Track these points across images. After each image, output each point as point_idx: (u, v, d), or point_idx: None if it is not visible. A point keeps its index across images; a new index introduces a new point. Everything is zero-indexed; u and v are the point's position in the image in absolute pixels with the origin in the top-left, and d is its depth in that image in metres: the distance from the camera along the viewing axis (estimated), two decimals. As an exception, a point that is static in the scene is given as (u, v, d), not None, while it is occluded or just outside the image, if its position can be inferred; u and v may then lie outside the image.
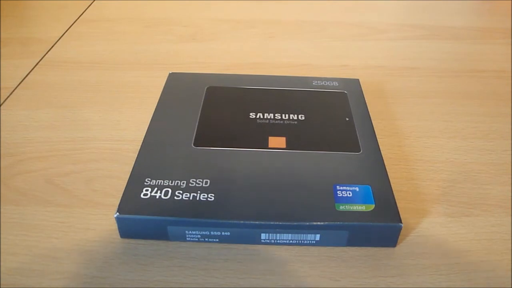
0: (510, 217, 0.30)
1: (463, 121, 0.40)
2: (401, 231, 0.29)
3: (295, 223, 0.27)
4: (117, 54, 0.49)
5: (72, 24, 0.56)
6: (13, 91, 0.43)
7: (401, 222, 0.27)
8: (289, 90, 0.38)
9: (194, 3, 0.63)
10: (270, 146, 0.32)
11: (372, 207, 0.28)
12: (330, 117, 0.35)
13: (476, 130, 0.39)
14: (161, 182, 0.29)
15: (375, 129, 0.38)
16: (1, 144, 0.36)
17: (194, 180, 0.29)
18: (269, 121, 0.34)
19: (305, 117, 0.35)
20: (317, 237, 0.27)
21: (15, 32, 0.54)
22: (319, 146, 0.32)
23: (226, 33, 0.54)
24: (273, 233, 0.27)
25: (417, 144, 0.37)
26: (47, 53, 0.50)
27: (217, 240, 0.28)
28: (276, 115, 0.35)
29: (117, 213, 0.27)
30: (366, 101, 0.41)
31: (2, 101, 0.41)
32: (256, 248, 0.28)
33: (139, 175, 0.29)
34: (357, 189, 0.29)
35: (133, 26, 0.56)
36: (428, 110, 0.41)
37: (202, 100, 0.37)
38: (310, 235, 0.27)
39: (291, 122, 0.34)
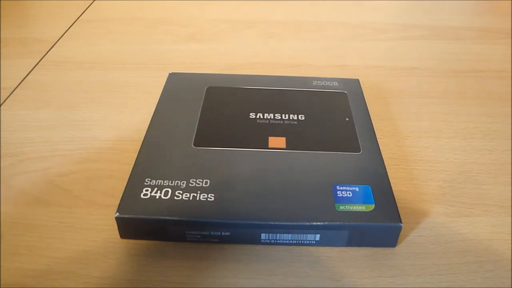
0: (510, 217, 0.30)
1: (463, 121, 0.40)
2: (401, 231, 0.29)
3: (295, 223, 0.27)
4: (117, 54, 0.49)
5: (72, 24, 0.56)
6: (13, 91, 0.43)
7: (401, 222, 0.27)
8: (289, 90, 0.38)
9: (194, 3, 0.63)
10: (270, 146, 0.32)
11: (372, 207, 0.28)
12: (330, 117, 0.35)
13: (476, 130, 0.39)
14: (161, 182, 0.29)
15: (375, 129, 0.38)
16: (1, 144, 0.36)
17: (194, 180, 0.29)
18: (269, 121, 0.34)
19: (305, 117, 0.35)
20: (317, 237, 0.27)
21: (15, 32, 0.54)
22: (319, 146, 0.32)
23: (226, 33, 0.54)
24: (273, 233, 0.27)
25: (417, 144, 0.37)
26: (47, 53, 0.50)
27: (217, 240, 0.28)
28: (276, 115, 0.35)
29: (117, 213, 0.27)
30: (366, 101, 0.41)
31: (2, 101, 0.41)
32: (256, 248, 0.28)
33: (139, 175, 0.29)
34: (357, 189, 0.29)
35: (133, 26, 0.56)
36: (428, 110, 0.41)
37: (202, 100, 0.37)
38: (310, 235, 0.27)
39: (291, 122, 0.34)
